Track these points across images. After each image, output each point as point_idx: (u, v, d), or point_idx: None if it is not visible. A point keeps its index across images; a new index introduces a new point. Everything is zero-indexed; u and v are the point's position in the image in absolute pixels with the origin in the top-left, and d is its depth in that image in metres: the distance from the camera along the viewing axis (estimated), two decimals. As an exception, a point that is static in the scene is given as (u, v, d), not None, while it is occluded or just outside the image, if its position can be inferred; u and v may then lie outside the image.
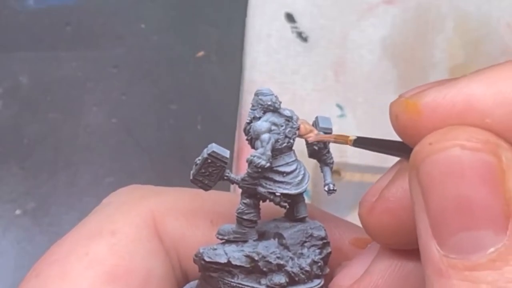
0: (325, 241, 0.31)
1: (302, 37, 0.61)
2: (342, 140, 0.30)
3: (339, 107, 0.60)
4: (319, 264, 0.31)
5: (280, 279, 0.30)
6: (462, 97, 0.24)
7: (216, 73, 0.62)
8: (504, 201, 0.23)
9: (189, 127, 0.61)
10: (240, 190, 0.31)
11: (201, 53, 0.63)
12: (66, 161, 0.60)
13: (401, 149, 0.27)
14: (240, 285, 0.30)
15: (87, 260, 0.31)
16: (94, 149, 0.60)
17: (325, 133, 0.32)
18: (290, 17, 0.62)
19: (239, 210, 0.31)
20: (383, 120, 0.59)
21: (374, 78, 0.60)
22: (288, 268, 0.30)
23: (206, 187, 0.31)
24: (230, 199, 0.35)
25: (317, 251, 0.31)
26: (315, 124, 0.32)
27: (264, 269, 0.30)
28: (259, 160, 0.30)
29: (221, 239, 0.31)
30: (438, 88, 0.25)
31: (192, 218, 0.34)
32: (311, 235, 0.31)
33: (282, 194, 0.31)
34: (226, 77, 0.61)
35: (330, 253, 0.31)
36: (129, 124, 0.61)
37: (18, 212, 0.58)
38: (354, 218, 0.36)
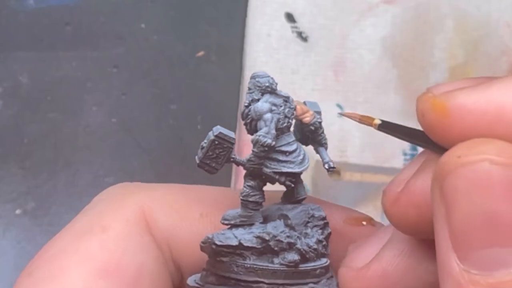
0: (325, 221, 0.32)
1: (302, 37, 0.61)
2: (367, 121, 0.30)
3: (339, 107, 0.60)
4: (324, 243, 0.31)
5: (293, 256, 0.30)
6: (493, 106, 0.23)
7: (216, 73, 0.62)
8: None
9: (189, 127, 0.61)
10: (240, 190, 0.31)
11: (201, 53, 0.63)
12: (66, 161, 0.60)
13: (425, 140, 0.27)
14: (255, 266, 0.30)
15: (78, 256, 0.31)
16: (94, 149, 0.60)
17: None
18: (290, 17, 0.62)
19: (244, 193, 0.31)
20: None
21: (374, 78, 0.60)
22: (298, 246, 0.30)
23: (213, 170, 0.31)
24: (220, 193, 0.35)
25: (319, 231, 0.31)
26: None
27: (276, 248, 0.30)
28: (265, 139, 0.30)
29: (227, 224, 0.31)
30: (469, 91, 0.24)
31: (182, 212, 0.34)
32: (312, 216, 0.32)
33: (287, 173, 0.31)
34: (226, 77, 0.61)
35: (330, 233, 0.32)
36: (129, 124, 0.61)
37: (18, 212, 0.58)
38: (354, 218, 0.36)
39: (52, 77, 0.61)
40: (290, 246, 0.30)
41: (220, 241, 0.30)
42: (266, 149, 0.30)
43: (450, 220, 0.23)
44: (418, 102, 0.25)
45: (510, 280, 0.22)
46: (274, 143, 0.30)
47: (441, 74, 0.60)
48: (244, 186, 0.31)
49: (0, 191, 0.59)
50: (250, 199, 0.31)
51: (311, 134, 0.33)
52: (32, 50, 0.62)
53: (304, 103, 0.32)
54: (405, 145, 0.58)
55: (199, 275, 0.32)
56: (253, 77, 0.32)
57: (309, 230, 0.31)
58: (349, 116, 0.31)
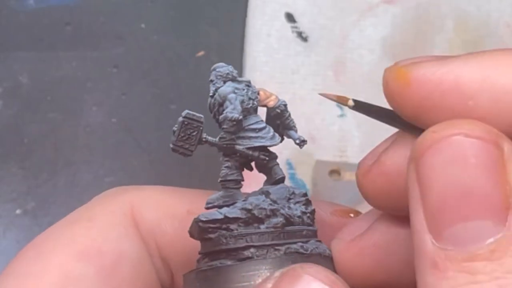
0: (307, 197, 0.33)
1: (302, 37, 0.61)
2: (342, 101, 0.31)
3: (339, 107, 0.60)
4: (308, 215, 0.32)
5: (278, 219, 0.31)
6: (451, 77, 0.25)
7: (216, 73, 0.62)
8: (504, 191, 0.23)
9: (189, 127, 0.60)
10: None
11: (201, 53, 0.63)
12: (66, 161, 0.60)
13: (397, 119, 0.27)
14: (243, 233, 0.31)
15: (62, 241, 0.33)
16: (94, 149, 0.60)
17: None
18: (290, 17, 0.62)
19: (222, 174, 0.33)
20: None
21: (374, 78, 0.60)
22: (282, 211, 0.31)
23: (187, 152, 0.33)
24: (207, 194, 0.36)
25: (303, 206, 0.32)
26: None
27: (260, 216, 0.31)
28: (232, 114, 0.32)
29: (212, 207, 0.33)
30: (431, 63, 0.25)
31: (169, 208, 0.35)
32: (293, 193, 0.32)
33: (259, 147, 0.33)
34: (226, 77, 0.61)
35: (314, 210, 0.32)
36: (129, 124, 0.61)
37: (18, 212, 0.58)
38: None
39: (52, 77, 0.61)
40: (274, 213, 0.31)
41: (206, 217, 0.31)
42: (235, 123, 0.32)
43: (425, 199, 0.24)
44: (385, 71, 0.27)
45: (484, 253, 0.22)
46: (241, 117, 0.32)
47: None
48: (222, 168, 0.33)
49: (0, 191, 0.59)
50: (229, 178, 0.33)
51: (279, 118, 0.34)
52: (32, 50, 0.62)
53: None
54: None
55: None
56: (213, 69, 0.34)
57: (292, 205, 0.32)
58: (327, 96, 0.32)
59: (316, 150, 0.57)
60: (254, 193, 0.33)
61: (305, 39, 0.61)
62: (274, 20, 0.61)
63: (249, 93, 0.33)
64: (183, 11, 0.63)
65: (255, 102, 0.33)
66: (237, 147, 0.33)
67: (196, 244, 0.32)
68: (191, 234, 0.32)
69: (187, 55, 0.62)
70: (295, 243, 0.31)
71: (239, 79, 0.34)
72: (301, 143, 0.34)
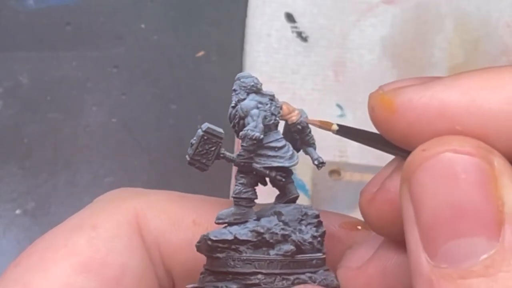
0: (319, 219, 0.32)
1: (302, 37, 0.61)
2: (326, 126, 0.31)
3: (339, 107, 0.60)
4: (319, 239, 0.31)
5: (289, 247, 0.30)
6: (436, 103, 0.24)
7: (216, 73, 0.62)
8: (496, 207, 0.23)
9: (189, 127, 0.60)
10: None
11: (201, 53, 0.63)
12: (66, 161, 0.60)
13: (383, 142, 0.27)
14: (251, 257, 0.31)
15: (65, 251, 0.32)
16: (94, 149, 0.60)
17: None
18: (290, 17, 0.62)
19: (237, 191, 0.32)
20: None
21: (374, 78, 0.60)
22: (293, 238, 0.31)
23: (204, 167, 0.32)
24: (215, 203, 0.35)
25: (314, 228, 0.32)
26: None
27: (271, 240, 0.31)
28: (253, 132, 0.31)
29: (222, 223, 0.32)
30: (415, 88, 0.25)
31: (175, 217, 0.35)
32: (306, 214, 0.32)
33: (276, 167, 0.32)
34: (226, 77, 0.61)
35: (325, 232, 0.32)
36: (129, 124, 0.61)
37: (18, 212, 0.58)
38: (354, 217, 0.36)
39: (52, 77, 0.61)
40: (285, 238, 0.31)
41: (215, 236, 0.31)
42: (255, 142, 0.31)
43: (419, 218, 0.24)
44: (369, 98, 0.27)
45: (479, 270, 0.22)
46: (262, 136, 0.31)
47: (441, 74, 0.60)
48: (236, 184, 0.32)
49: (0, 191, 0.59)
50: (243, 196, 0.32)
51: (299, 134, 0.33)
52: (32, 50, 0.62)
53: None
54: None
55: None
56: (238, 78, 0.32)
57: (303, 227, 0.31)
58: (310, 122, 0.32)
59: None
60: (265, 210, 0.32)
61: (305, 39, 0.61)
62: (274, 20, 0.61)
63: (272, 108, 0.32)
64: (183, 11, 0.63)
65: (277, 118, 0.32)
66: (255, 165, 0.32)
67: (200, 255, 0.32)
68: (199, 249, 0.32)
69: (187, 55, 0.62)
70: (303, 273, 0.30)
71: (263, 92, 0.32)
72: (319, 164, 0.33)
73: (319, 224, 0.32)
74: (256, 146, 0.31)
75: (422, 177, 0.24)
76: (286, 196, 0.33)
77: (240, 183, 0.32)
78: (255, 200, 0.32)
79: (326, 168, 0.57)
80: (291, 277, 0.30)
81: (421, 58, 0.61)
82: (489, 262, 0.22)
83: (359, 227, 0.35)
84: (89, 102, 0.61)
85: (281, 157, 0.32)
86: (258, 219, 0.32)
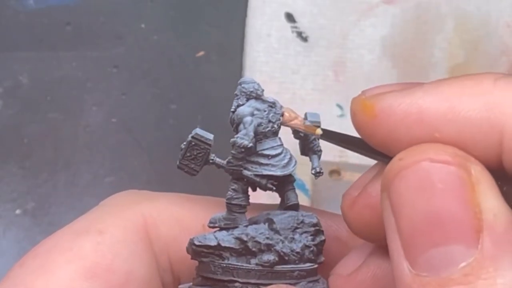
0: (317, 228, 0.31)
1: (302, 37, 0.61)
2: (310, 130, 0.31)
3: (339, 107, 0.60)
4: (312, 249, 0.31)
5: (269, 257, 0.30)
6: (415, 109, 0.24)
7: (216, 73, 0.62)
8: (474, 214, 0.23)
9: (189, 127, 0.60)
10: None
11: (201, 53, 0.63)
12: (66, 161, 0.60)
13: (364, 147, 0.27)
14: (230, 266, 0.30)
15: (70, 255, 0.31)
16: (94, 149, 0.60)
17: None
18: (290, 17, 0.62)
19: (228, 197, 0.31)
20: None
21: (374, 78, 0.60)
22: (277, 248, 0.30)
23: (193, 171, 0.32)
24: (222, 204, 0.35)
25: (310, 237, 0.31)
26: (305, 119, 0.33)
27: (254, 249, 0.30)
28: (242, 140, 0.30)
29: (213, 227, 0.32)
30: (395, 95, 0.25)
31: (184, 223, 0.34)
32: (302, 222, 0.31)
33: (268, 175, 0.31)
34: (226, 77, 0.61)
35: (323, 241, 0.31)
36: (129, 124, 0.61)
37: (18, 212, 0.58)
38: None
39: (52, 77, 0.61)
40: (269, 248, 0.30)
41: (199, 242, 0.31)
42: (243, 150, 0.30)
43: (399, 227, 0.24)
44: (351, 103, 0.27)
45: (458, 278, 0.22)
46: (251, 144, 0.30)
47: (441, 74, 0.60)
48: (229, 189, 0.32)
49: (0, 191, 0.59)
50: (233, 202, 0.31)
51: (303, 141, 0.33)
52: (32, 50, 0.62)
53: (306, 113, 0.32)
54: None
55: (187, 285, 0.33)
56: (240, 83, 0.32)
57: (297, 236, 0.31)
58: (294, 126, 0.31)
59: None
60: (261, 216, 0.32)
61: (305, 39, 0.61)
62: (274, 20, 0.61)
63: (270, 115, 0.31)
64: (183, 11, 0.63)
65: (275, 126, 0.31)
66: (245, 172, 0.31)
67: None
68: (188, 251, 0.32)
69: (187, 55, 0.62)
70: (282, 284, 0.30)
71: (264, 98, 0.32)
72: (316, 174, 0.32)
73: (317, 232, 0.31)
74: (245, 154, 0.31)
75: (399, 187, 0.24)
76: (284, 204, 0.32)
77: (232, 189, 0.32)
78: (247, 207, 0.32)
79: (326, 168, 0.57)
80: None
81: (421, 58, 0.61)
82: (468, 270, 0.22)
83: None
84: (89, 102, 0.61)
85: (273, 165, 0.31)
86: (248, 225, 0.31)
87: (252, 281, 0.30)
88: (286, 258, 0.30)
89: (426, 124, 0.24)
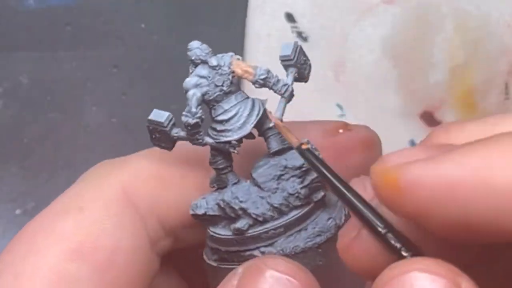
0: (303, 168, 0.30)
1: (302, 37, 0.61)
2: (292, 140, 0.29)
3: (339, 107, 0.60)
4: (297, 195, 0.29)
5: (241, 224, 0.29)
6: (445, 183, 0.23)
7: (216, 73, 0.62)
8: None
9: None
10: None
11: (201, 53, 0.63)
12: (66, 161, 0.60)
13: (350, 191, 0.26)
14: (214, 236, 0.30)
15: (53, 237, 0.31)
16: (94, 149, 0.60)
17: (284, 61, 0.32)
18: (290, 17, 0.61)
19: (210, 160, 0.31)
20: (383, 120, 0.59)
21: (374, 78, 0.60)
22: (250, 211, 0.29)
23: (167, 148, 0.32)
24: (203, 152, 0.34)
25: (298, 180, 0.30)
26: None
27: (232, 215, 0.30)
28: (186, 118, 0.30)
29: (212, 187, 0.32)
30: (420, 165, 0.23)
31: (163, 179, 0.34)
32: (286, 167, 0.30)
33: (225, 142, 0.30)
34: (226, 77, 0.61)
35: (316, 177, 0.30)
36: (129, 124, 0.61)
37: (18, 212, 0.58)
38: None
39: (52, 77, 0.61)
40: (244, 212, 0.29)
41: (192, 210, 0.31)
42: (189, 128, 0.30)
43: None
44: (371, 173, 0.25)
45: None
46: (195, 121, 0.30)
47: (441, 74, 0.60)
48: (210, 152, 0.31)
49: (0, 191, 0.59)
50: (213, 166, 0.31)
51: (265, 88, 0.31)
52: (32, 50, 0.62)
53: (282, 47, 0.31)
54: (406, 145, 0.58)
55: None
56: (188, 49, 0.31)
57: (282, 184, 0.30)
58: (281, 131, 0.30)
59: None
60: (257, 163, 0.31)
61: (305, 39, 0.61)
62: (274, 20, 0.61)
63: (216, 79, 0.30)
64: (183, 11, 0.63)
65: (223, 88, 0.30)
66: (208, 140, 0.31)
67: None
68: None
69: (187, 55, 0.62)
70: (255, 248, 0.29)
71: (209, 60, 0.31)
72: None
73: (305, 173, 0.30)
74: (195, 130, 0.30)
75: None
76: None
77: (210, 153, 0.31)
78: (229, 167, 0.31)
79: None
80: (246, 254, 0.29)
81: (421, 58, 0.61)
82: None
83: (341, 131, 0.34)
84: (89, 102, 0.61)
85: (228, 130, 0.30)
86: (235, 184, 0.31)
87: (232, 249, 0.30)
88: (260, 219, 0.29)
89: (459, 198, 0.22)
